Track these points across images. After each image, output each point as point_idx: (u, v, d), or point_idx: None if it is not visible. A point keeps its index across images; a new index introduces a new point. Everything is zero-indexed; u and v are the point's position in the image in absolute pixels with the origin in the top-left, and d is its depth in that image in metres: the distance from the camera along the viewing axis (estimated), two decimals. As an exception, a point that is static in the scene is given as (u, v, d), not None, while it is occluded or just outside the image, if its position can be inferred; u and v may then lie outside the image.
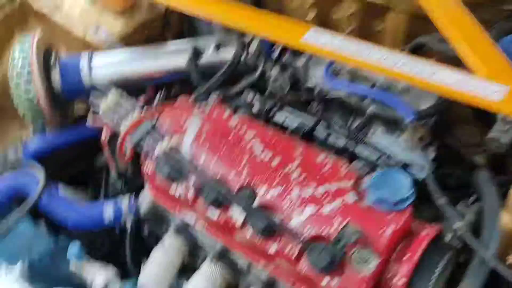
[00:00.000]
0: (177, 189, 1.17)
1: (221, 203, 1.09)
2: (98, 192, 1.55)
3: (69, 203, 1.36)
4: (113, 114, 1.33)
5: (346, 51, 1.19)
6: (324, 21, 1.71)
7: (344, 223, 0.96)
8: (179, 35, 1.82)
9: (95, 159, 1.60)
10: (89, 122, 1.42)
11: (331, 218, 0.98)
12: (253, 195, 1.07)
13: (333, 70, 1.38)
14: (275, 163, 1.11)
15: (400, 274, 0.94)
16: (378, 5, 1.54)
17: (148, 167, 1.23)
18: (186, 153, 1.18)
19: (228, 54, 1.53)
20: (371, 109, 1.32)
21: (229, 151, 1.15)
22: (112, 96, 1.35)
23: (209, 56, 1.54)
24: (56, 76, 1.50)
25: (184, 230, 1.25)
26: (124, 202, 1.32)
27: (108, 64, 1.56)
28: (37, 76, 1.44)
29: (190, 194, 1.14)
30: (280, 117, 1.36)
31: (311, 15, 1.70)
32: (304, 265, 0.99)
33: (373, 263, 0.92)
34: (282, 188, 1.06)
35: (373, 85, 1.32)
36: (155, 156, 1.19)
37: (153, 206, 1.29)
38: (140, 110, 1.32)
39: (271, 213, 1.04)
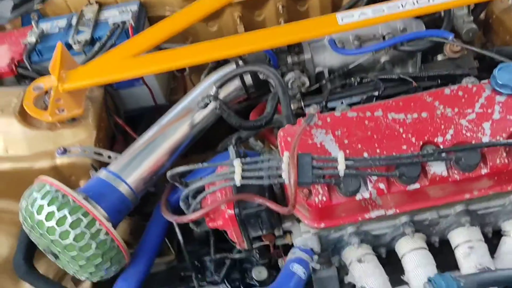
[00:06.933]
0: (362, 195, 1.18)
1: (418, 172, 1.16)
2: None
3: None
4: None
5: (376, 14, 1.37)
6: (252, 25, 1.81)
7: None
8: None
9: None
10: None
11: (507, 118, 1.19)
12: (438, 147, 1.18)
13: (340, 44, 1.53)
14: (425, 116, 1.23)
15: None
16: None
17: (319, 198, 1.18)
18: (352, 165, 1.14)
19: (228, 88, 1.52)
20: (385, 58, 1.55)
21: (381, 134, 1.21)
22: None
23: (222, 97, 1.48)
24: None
25: (364, 234, 1.27)
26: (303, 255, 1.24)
27: (135, 167, 1.37)
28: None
29: (382, 186, 1.17)
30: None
31: (241, 26, 1.77)
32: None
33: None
34: (452, 126, 1.20)
35: (383, 38, 1.53)
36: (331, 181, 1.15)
37: (322, 238, 1.26)
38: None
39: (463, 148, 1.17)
